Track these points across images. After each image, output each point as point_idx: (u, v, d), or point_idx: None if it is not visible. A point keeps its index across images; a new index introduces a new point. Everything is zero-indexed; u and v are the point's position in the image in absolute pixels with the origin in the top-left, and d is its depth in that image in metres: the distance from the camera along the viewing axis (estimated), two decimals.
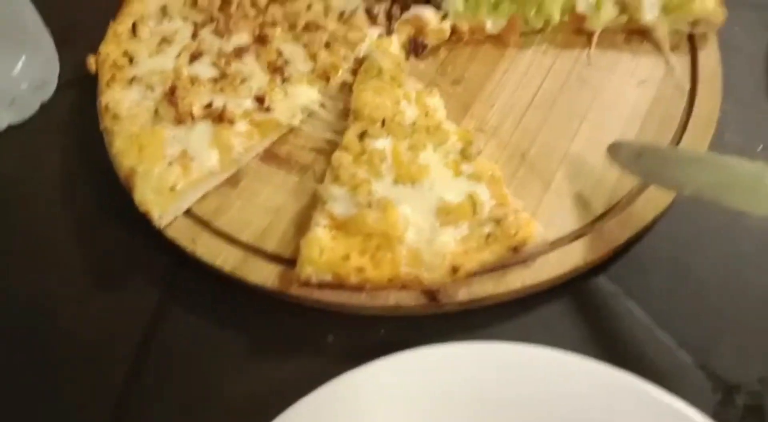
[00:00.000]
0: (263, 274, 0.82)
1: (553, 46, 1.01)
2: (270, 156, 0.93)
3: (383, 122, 0.87)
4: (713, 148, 0.90)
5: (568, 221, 0.83)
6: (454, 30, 1.01)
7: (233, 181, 0.91)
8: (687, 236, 0.85)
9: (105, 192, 0.95)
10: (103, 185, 0.95)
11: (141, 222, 0.86)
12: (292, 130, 0.95)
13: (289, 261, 0.82)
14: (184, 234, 0.86)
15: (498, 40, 1.01)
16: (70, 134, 1.05)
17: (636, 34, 1.01)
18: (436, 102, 0.92)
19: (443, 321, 0.81)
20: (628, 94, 0.95)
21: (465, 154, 0.84)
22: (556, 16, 0.99)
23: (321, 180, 0.87)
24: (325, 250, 0.78)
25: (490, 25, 1.00)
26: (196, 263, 0.86)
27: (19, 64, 1.05)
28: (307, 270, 0.78)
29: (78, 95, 1.07)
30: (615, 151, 0.84)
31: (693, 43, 1.00)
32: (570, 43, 1.01)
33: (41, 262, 0.93)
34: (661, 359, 0.77)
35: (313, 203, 0.85)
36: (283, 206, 0.88)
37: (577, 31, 1.01)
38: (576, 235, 0.83)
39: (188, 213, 0.88)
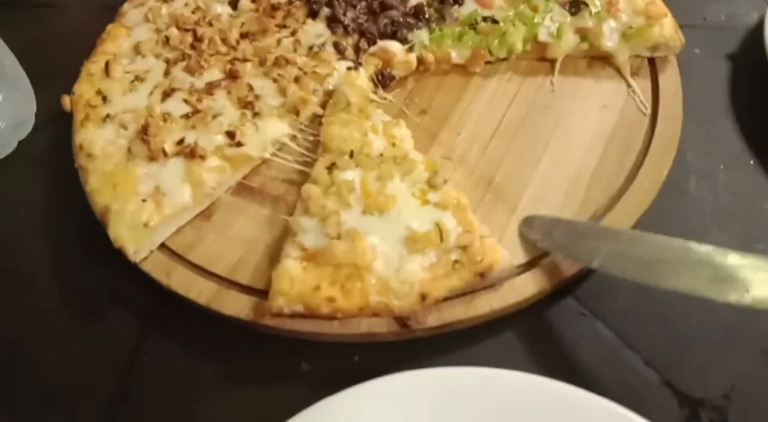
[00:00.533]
0: (237, 306, 0.83)
1: (517, 73, 1.04)
2: (242, 188, 0.95)
3: (351, 154, 0.90)
4: (676, 169, 0.93)
5: (533, 245, 0.85)
6: (420, 61, 1.03)
7: (206, 214, 0.93)
8: None
9: (82, 227, 0.96)
10: (80, 221, 0.96)
11: (118, 256, 0.87)
12: (264, 161, 0.97)
13: (263, 293, 0.84)
14: (158, 268, 0.87)
15: (463, 69, 1.04)
16: (47, 171, 1.06)
17: (598, 59, 1.04)
18: (403, 132, 0.94)
19: (415, 346, 0.82)
20: (590, 119, 0.98)
21: (431, 183, 0.86)
22: (519, 46, 1.02)
23: (292, 211, 0.89)
24: (295, 282, 0.80)
25: (455, 56, 1.03)
26: (172, 296, 0.87)
27: None
28: (279, 301, 0.79)
29: (55, 133, 1.09)
30: (529, 224, 0.87)
31: (654, 67, 1.03)
32: (534, 70, 1.04)
33: (19, 298, 0.94)
34: (628, 378, 0.79)
35: (286, 235, 0.87)
36: (256, 238, 0.90)
37: (540, 58, 1.04)
38: (541, 259, 0.85)
39: (163, 247, 0.90)
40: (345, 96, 0.96)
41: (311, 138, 0.98)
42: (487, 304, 0.81)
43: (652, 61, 1.04)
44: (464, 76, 1.04)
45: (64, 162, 1.01)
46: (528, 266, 0.84)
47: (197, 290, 0.85)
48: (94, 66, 1.04)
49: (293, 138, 0.98)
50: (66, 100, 1.02)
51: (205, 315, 0.85)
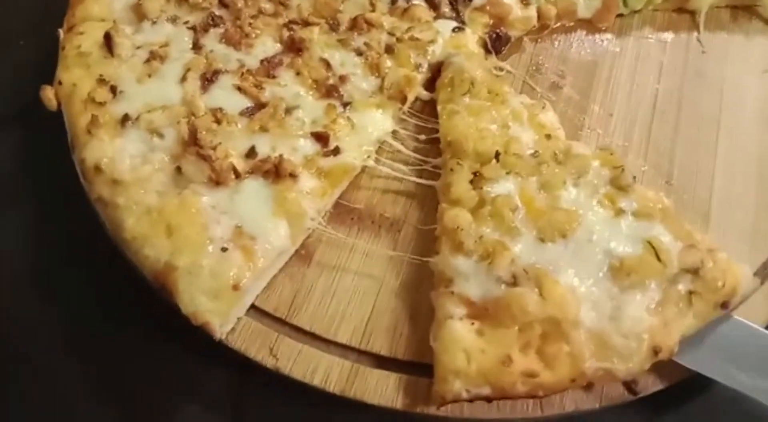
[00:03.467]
0: (385, 391, 0.59)
1: (655, 29, 0.82)
2: (343, 212, 0.69)
3: (497, 156, 0.65)
4: None
5: (744, 260, 0.66)
6: (538, 16, 0.79)
7: (304, 255, 0.66)
8: None
9: (109, 282, 0.67)
10: (99, 270, 0.68)
11: (171, 320, 0.60)
12: (363, 170, 0.70)
13: (412, 366, 0.60)
14: (256, 344, 0.61)
15: (589, 25, 0.81)
16: (25, 196, 0.74)
17: (741, 9, 0.84)
18: (551, 118, 0.70)
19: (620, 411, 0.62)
20: (753, 88, 0.79)
21: (618, 184, 0.64)
22: None
23: (424, 241, 0.65)
24: (473, 354, 0.56)
25: (583, 8, 0.80)
26: (265, 373, 0.61)
27: None
28: (455, 385, 0.56)
29: (22, 135, 0.77)
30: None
31: None
32: (674, 25, 0.83)
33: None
34: None
35: (426, 278, 0.63)
36: (383, 284, 0.65)
37: (677, 10, 0.83)
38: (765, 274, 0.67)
39: (254, 310, 0.63)
40: (466, 73, 0.70)
41: (415, 130, 0.73)
42: None
43: None
44: (591, 33, 0.81)
45: (56, 184, 0.70)
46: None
47: (322, 373, 0.60)
48: (82, 39, 0.71)
49: (394, 134, 0.72)
50: (48, 94, 0.69)
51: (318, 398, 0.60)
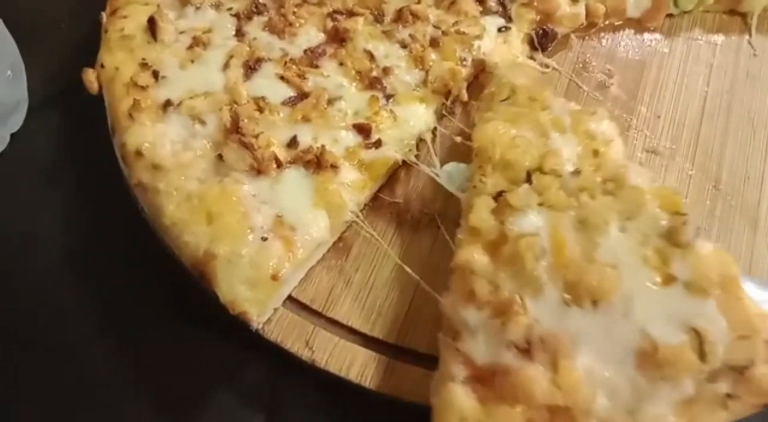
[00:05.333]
0: (423, 389, 0.58)
1: (705, 30, 0.80)
2: (383, 206, 0.68)
3: (529, 177, 0.57)
4: None
5: None
6: (587, 13, 0.77)
7: (341, 248, 0.65)
8: None
9: (143, 268, 0.67)
10: (136, 257, 0.67)
11: (208, 309, 0.59)
12: (404, 164, 0.69)
13: None
14: (292, 336, 0.61)
15: (638, 24, 0.79)
16: (64, 177, 0.74)
17: None
18: (605, 129, 0.61)
19: None
20: None
21: (676, 239, 0.52)
22: None
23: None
24: None
25: (632, 7, 0.78)
26: (301, 365, 0.61)
27: None
28: None
29: (59, 120, 0.76)
30: None
31: None
32: (724, 27, 0.81)
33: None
34: None
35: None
36: (421, 279, 0.63)
37: (729, 11, 0.81)
38: None
39: (290, 301, 0.62)
40: (507, 79, 0.68)
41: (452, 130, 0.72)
42: None
43: None
44: (639, 32, 0.80)
45: (95, 167, 0.70)
46: None
47: (358, 367, 0.59)
48: (126, 23, 0.71)
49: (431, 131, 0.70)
50: (90, 76, 0.69)
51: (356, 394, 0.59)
